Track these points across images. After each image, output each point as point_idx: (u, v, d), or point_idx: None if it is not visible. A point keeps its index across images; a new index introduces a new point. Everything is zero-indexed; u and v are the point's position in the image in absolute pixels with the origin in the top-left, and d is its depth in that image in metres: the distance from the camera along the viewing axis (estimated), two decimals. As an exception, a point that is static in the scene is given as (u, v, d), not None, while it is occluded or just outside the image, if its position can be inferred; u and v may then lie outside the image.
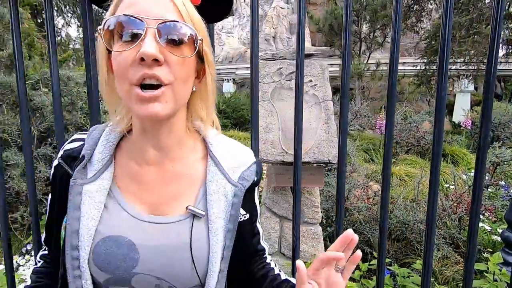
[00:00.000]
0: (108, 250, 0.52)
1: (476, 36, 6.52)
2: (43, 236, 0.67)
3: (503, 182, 3.08)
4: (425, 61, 8.00)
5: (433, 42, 7.43)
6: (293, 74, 2.17)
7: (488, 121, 0.85)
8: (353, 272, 1.94)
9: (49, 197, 0.62)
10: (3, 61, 3.32)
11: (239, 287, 0.65)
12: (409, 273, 1.91)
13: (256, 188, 0.64)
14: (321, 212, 2.34)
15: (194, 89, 0.54)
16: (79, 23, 8.10)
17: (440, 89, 0.83)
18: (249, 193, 0.60)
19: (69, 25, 8.23)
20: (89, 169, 0.54)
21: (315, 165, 2.10)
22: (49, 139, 3.48)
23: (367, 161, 4.72)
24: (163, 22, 0.45)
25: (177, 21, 0.46)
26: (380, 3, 8.04)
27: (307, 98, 2.07)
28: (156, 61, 0.44)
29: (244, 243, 0.61)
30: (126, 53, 0.45)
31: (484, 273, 1.56)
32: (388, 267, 1.98)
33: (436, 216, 0.93)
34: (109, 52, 0.48)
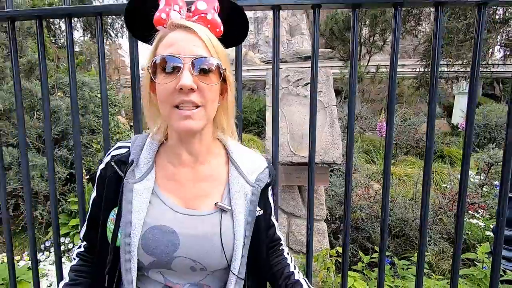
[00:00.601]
0: (155, 237, 0.62)
1: (473, 40, 6.70)
2: (82, 232, 0.76)
3: (497, 182, 3.23)
4: (424, 63, 8.16)
5: (431, 46, 7.60)
6: (299, 81, 2.33)
7: (472, 125, 1.01)
8: (356, 264, 2.11)
9: (93, 195, 0.72)
10: (22, 67, 3.48)
11: (260, 276, 0.75)
12: (408, 265, 2.07)
13: (269, 188, 0.76)
14: (326, 209, 2.50)
15: (218, 104, 0.66)
16: (83, 26, 8.27)
17: (431, 95, 0.99)
18: (263, 192, 0.72)
19: (75, 28, 8.38)
20: (136, 171, 0.66)
21: (320, 165, 2.26)
22: (64, 141, 3.64)
23: (368, 162, 4.87)
24: (196, 58, 0.58)
25: (206, 56, 0.59)
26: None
27: (313, 103, 2.23)
28: (191, 89, 0.58)
29: (261, 234, 0.72)
30: (168, 84, 0.58)
31: (475, 261, 1.72)
32: (388, 259, 2.14)
33: (429, 202, 1.09)
34: (151, 80, 0.62)
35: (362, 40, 9.14)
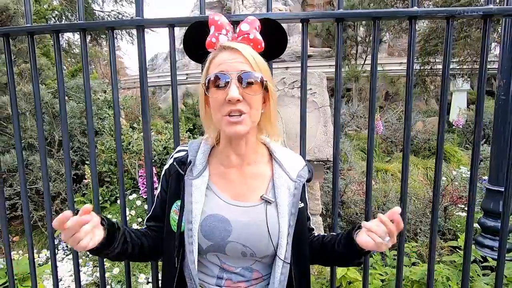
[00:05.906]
0: (211, 224, 0.74)
1: (467, 39, 6.83)
2: (146, 217, 0.91)
3: (486, 177, 3.35)
4: (419, 62, 8.28)
5: (426, 44, 7.72)
6: (295, 83, 2.46)
7: (443, 125, 1.13)
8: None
9: (157, 191, 0.87)
10: (28, 72, 3.60)
11: (304, 265, 0.83)
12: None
13: (306, 184, 0.85)
14: (321, 204, 2.62)
15: (262, 111, 0.76)
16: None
17: (408, 100, 1.12)
18: (303, 187, 0.81)
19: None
20: (194, 169, 0.79)
21: (315, 162, 2.39)
22: (70, 143, 3.76)
23: (363, 159, 5.00)
24: (241, 73, 0.70)
25: (249, 71, 0.70)
26: (375, 8, 8.35)
27: (308, 104, 2.34)
28: (238, 100, 0.69)
29: (304, 226, 0.82)
30: (219, 97, 0.70)
31: (457, 249, 1.84)
32: (380, 250, 2.27)
33: (407, 192, 1.21)
34: (205, 95, 0.74)
35: (358, 40, 9.26)
